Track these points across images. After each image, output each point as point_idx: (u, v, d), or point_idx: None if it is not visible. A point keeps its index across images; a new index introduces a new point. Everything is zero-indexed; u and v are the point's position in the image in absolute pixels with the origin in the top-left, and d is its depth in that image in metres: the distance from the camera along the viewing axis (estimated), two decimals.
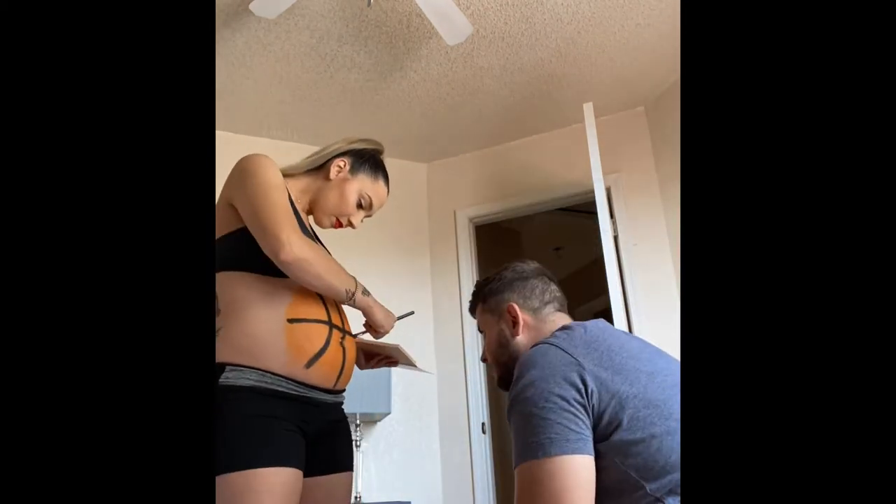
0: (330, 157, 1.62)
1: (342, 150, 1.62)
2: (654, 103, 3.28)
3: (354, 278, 1.43)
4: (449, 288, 3.59)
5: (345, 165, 1.60)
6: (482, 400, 3.41)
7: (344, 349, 1.41)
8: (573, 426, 1.00)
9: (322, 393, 1.39)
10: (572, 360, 1.07)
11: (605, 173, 2.77)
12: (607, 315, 2.84)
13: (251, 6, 2.27)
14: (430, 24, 2.48)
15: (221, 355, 1.32)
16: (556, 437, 1.00)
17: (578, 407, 1.02)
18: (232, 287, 1.38)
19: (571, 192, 3.37)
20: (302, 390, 1.34)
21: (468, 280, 3.57)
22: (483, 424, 3.36)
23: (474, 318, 1.45)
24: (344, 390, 1.50)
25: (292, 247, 1.29)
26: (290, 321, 1.33)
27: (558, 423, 1.00)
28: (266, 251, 1.31)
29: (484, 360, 1.40)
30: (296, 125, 3.32)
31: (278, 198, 1.36)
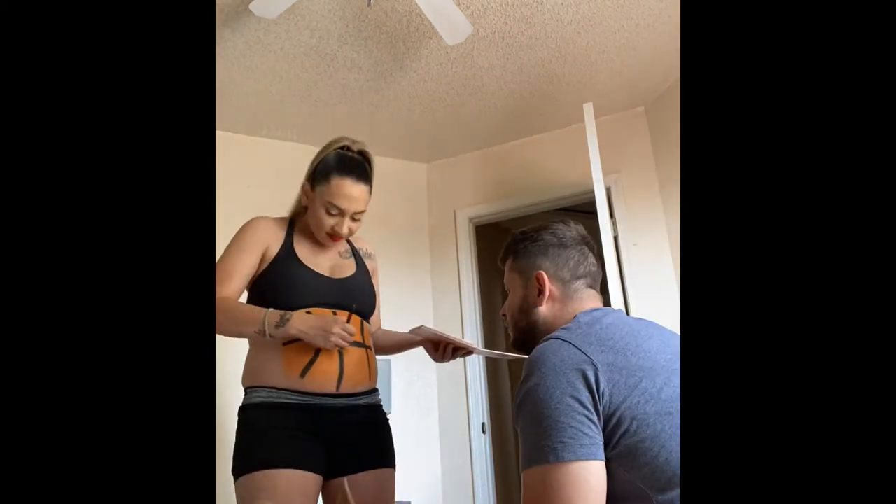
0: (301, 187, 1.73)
1: (307, 173, 1.71)
2: (654, 103, 3.28)
3: (265, 317, 1.49)
4: (449, 288, 3.59)
5: (306, 187, 1.70)
6: (482, 400, 3.42)
7: (341, 356, 1.56)
8: (586, 430, 0.96)
9: (328, 398, 1.55)
10: (586, 358, 1.02)
11: (605, 173, 2.77)
12: None
13: (251, 6, 2.27)
14: (430, 24, 2.48)
15: (244, 381, 1.60)
16: (569, 441, 0.95)
17: (591, 410, 0.98)
18: None
19: (571, 192, 3.37)
20: (304, 399, 1.52)
21: (468, 280, 3.57)
22: (483, 424, 3.36)
23: (501, 267, 1.38)
24: (361, 394, 1.62)
25: None
26: (285, 344, 1.53)
27: (571, 426, 0.96)
28: None
29: (503, 315, 1.37)
30: (296, 125, 3.32)
31: (222, 263, 1.61)
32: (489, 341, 3.87)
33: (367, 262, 1.84)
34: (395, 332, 1.91)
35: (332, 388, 1.54)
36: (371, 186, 1.69)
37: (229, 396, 2.89)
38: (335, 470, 1.54)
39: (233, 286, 1.59)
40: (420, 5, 2.25)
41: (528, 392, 1.03)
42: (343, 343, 1.49)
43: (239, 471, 1.46)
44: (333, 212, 1.63)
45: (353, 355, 1.59)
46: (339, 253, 1.76)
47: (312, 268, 1.65)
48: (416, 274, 3.60)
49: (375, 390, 1.71)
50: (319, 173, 1.66)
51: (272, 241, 1.67)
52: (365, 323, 1.69)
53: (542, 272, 1.26)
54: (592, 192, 2.73)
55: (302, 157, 3.37)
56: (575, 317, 1.19)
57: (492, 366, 3.87)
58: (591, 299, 1.27)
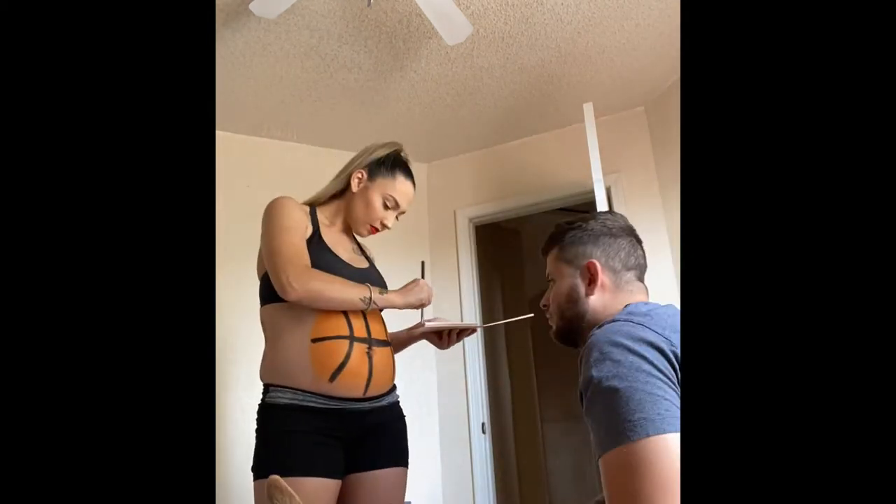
0: (349, 173, 1.78)
1: (360, 164, 1.77)
2: (654, 103, 3.28)
3: (367, 286, 1.58)
4: (449, 288, 3.59)
5: (363, 176, 1.76)
6: (482, 400, 3.42)
7: (370, 358, 1.55)
8: (675, 401, 0.89)
9: (354, 402, 1.54)
10: (658, 335, 0.97)
11: (605, 173, 2.77)
12: None
13: (251, 6, 2.27)
14: (430, 24, 2.48)
15: (265, 377, 1.58)
16: (665, 413, 0.87)
17: (675, 384, 0.91)
18: (270, 318, 1.60)
19: (571, 192, 3.37)
20: (332, 403, 1.51)
21: (468, 280, 3.57)
22: (483, 424, 3.36)
23: (544, 257, 1.32)
24: (384, 395, 1.62)
25: (294, 287, 1.48)
26: (314, 341, 1.50)
27: (665, 398, 0.88)
28: (278, 294, 1.50)
29: (544, 306, 1.31)
30: (296, 125, 3.32)
31: (283, 241, 1.56)
32: (489, 341, 3.87)
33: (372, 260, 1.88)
34: (400, 332, 1.89)
35: (359, 393, 1.54)
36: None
37: (226, 398, 2.90)
38: (357, 466, 1.56)
39: (304, 260, 1.55)
40: (420, 5, 2.25)
41: (606, 371, 0.95)
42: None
43: (261, 472, 1.46)
44: (390, 204, 1.74)
45: (382, 356, 1.59)
46: (353, 249, 1.79)
47: (338, 254, 1.67)
48: (416, 273, 3.59)
49: (395, 387, 1.71)
50: (382, 165, 1.76)
51: (306, 223, 1.67)
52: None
53: (593, 261, 1.23)
54: (592, 192, 2.73)
55: (302, 157, 3.42)
56: (626, 306, 1.15)
57: (492, 366, 3.87)
58: (641, 292, 1.26)
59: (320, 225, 1.71)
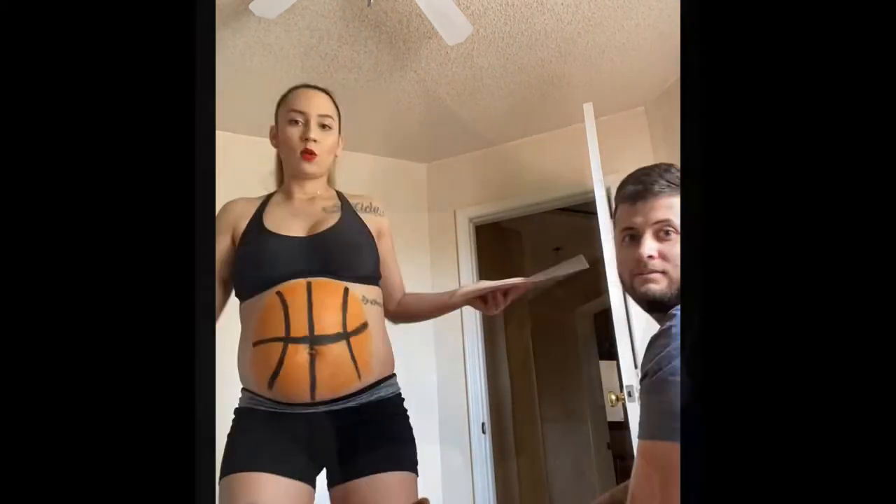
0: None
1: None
2: (654, 103, 3.28)
3: None
4: (449, 288, 3.57)
5: (272, 131, 1.66)
6: (482, 400, 3.42)
7: (312, 360, 1.34)
8: None
9: (305, 407, 1.37)
10: None
11: (605, 173, 2.77)
12: (607, 316, 2.84)
13: (251, 6, 2.27)
14: (430, 24, 2.48)
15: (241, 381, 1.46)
16: None
17: None
18: (242, 318, 1.47)
19: (571, 192, 3.37)
20: (279, 408, 1.38)
21: (468, 280, 3.57)
22: (483, 424, 3.36)
23: (651, 199, 1.12)
24: (353, 395, 1.40)
25: None
26: (254, 344, 1.37)
27: None
28: None
29: (650, 257, 1.09)
30: None
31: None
32: (489, 340, 3.87)
33: (364, 215, 1.60)
34: (430, 295, 1.72)
35: (305, 398, 1.35)
36: (335, 103, 1.64)
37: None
38: (334, 479, 1.40)
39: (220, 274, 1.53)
40: (420, 5, 2.25)
41: (678, 366, 0.88)
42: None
43: (221, 473, 1.36)
44: (297, 119, 1.56)
45: (328, 356, 1.35)
46: (324, 209, 1.56)
47: (281, 232, 1.47)
48: (416, 273, 3.60)
49: (378, 384, 1.45)
50: (278, 106, 1.64)
51: (241, 218, 1.55)
52: (352, 291, 1.43)
53: None
54: (592, 192, 2.74)
55: None
56: None
57: (491, 366, 3.88)
58: None
59: (269, 206, 1.57)
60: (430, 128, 3.44)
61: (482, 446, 3.33)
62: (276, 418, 1.38)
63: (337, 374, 1.36)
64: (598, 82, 3.10)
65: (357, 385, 1.39)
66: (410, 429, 1.51)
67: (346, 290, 1.41)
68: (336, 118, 1.62)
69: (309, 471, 1.39)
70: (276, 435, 1.37)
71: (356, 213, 1.58)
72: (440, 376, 3.48)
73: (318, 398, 1.35)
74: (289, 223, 1.50)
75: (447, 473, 3.34)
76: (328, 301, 1.39)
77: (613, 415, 5.72)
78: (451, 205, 3.74)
